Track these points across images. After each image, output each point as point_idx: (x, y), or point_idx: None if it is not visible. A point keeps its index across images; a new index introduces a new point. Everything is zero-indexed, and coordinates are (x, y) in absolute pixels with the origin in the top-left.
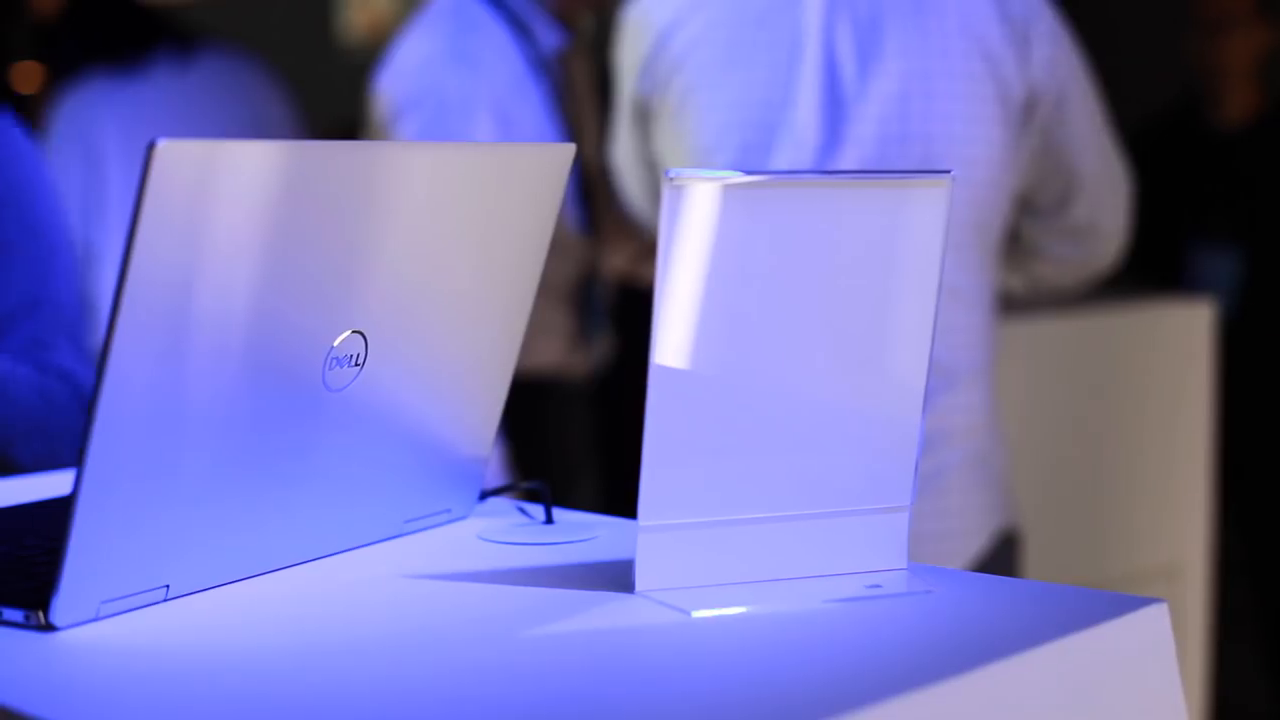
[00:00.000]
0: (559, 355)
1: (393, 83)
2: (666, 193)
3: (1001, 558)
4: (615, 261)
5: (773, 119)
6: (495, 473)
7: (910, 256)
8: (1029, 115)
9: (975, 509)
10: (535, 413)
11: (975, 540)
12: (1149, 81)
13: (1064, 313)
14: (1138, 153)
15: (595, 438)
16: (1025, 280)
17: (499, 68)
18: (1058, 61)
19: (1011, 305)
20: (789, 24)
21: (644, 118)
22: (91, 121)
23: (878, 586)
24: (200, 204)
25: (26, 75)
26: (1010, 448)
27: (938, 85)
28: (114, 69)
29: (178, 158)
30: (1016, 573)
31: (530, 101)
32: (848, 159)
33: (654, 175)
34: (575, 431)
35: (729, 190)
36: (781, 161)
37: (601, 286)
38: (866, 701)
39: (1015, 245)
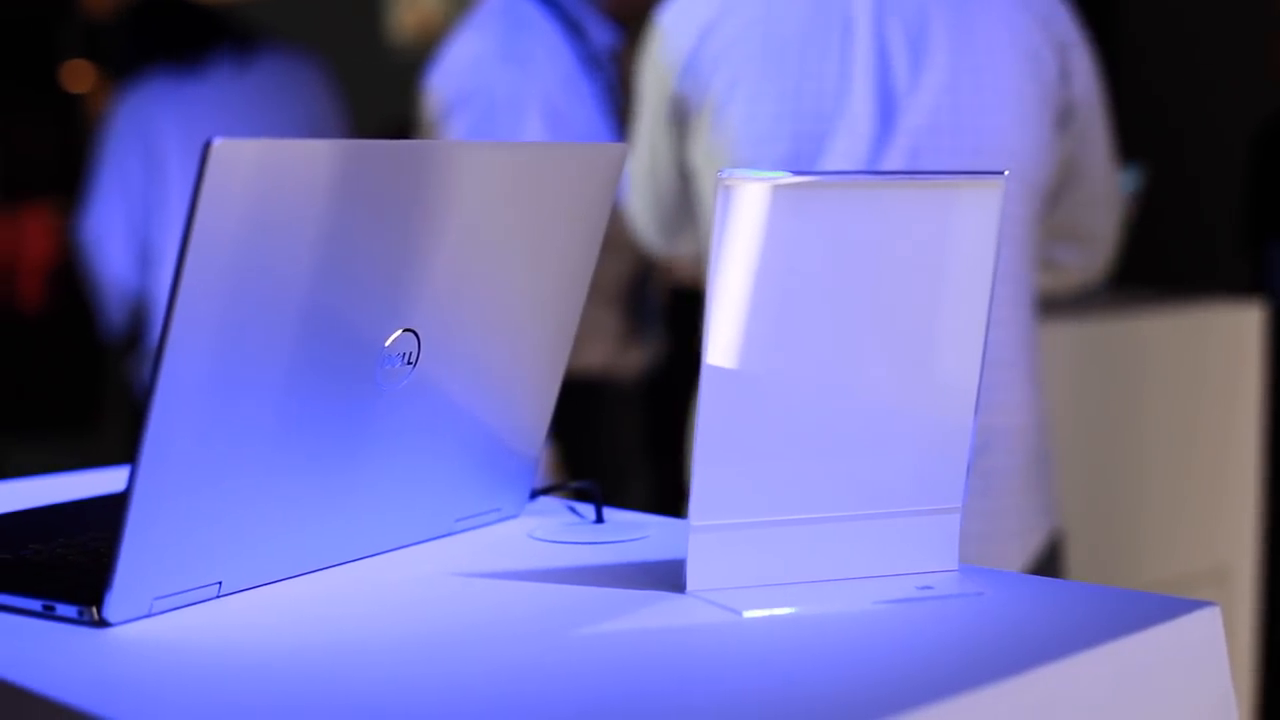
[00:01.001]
0: (607, 356)
1: (443, 81)
2: (719, 193)
3: (1055, 558)
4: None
5: (829, 109)
6: (546, 472)
7: (963, 257)
8: (1067, 121)
9: (1032, 509)
10: (586, 412)
11: (1032, 540)
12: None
13: (1113, 315)
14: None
15: (646, 437)
16: None
17: (550, 66)
18: (1092, 74)
19: (1059, 307)
20: (838, 20)
21: (681, 118)
22: (151, 119)
23: (929, 588)
24: (256, 203)
25: (78, 74)
26: (1058, 450)
27: (985, 79)
28: (174, 68)
29: (234, 157)
30: (1062, 574)
31: (582, 100)
32: (899, 148)
33: (684, 183)
34: (626, 431)
35: (781, 190)
36: (839, 149)
37: (654, 286)
38: (917, 703)
39: None
